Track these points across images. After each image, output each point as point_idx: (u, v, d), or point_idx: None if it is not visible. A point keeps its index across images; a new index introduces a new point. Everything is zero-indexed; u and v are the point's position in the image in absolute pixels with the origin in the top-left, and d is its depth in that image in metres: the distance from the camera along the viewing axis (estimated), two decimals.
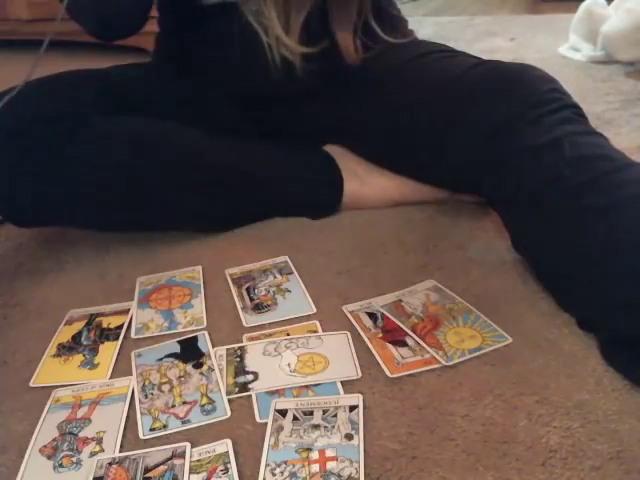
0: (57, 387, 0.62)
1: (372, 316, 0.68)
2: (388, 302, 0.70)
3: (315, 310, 0.70)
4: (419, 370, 0.60)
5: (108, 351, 0.66)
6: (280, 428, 0.54)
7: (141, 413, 0.57)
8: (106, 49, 1.48)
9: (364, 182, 0.91)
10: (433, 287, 0.72)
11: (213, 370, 0.62)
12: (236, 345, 0.65)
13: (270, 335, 0.67)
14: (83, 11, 0.76)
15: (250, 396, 0.58)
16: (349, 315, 0.68)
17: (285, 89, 0.87)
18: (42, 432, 0.56)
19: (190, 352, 0.65)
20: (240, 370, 0.62)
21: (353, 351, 0.63)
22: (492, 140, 0.71)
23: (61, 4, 0.68)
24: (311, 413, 0.55)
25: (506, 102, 0.71)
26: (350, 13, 0.85)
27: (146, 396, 0.59)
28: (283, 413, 0.55)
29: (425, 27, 2.12)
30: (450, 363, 0.60)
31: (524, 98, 0.70)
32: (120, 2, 0.76)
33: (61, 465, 0.53)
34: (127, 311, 0.73)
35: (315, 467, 0.50)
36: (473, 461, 0.51)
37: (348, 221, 0.90)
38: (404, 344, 0.63)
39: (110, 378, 0.62)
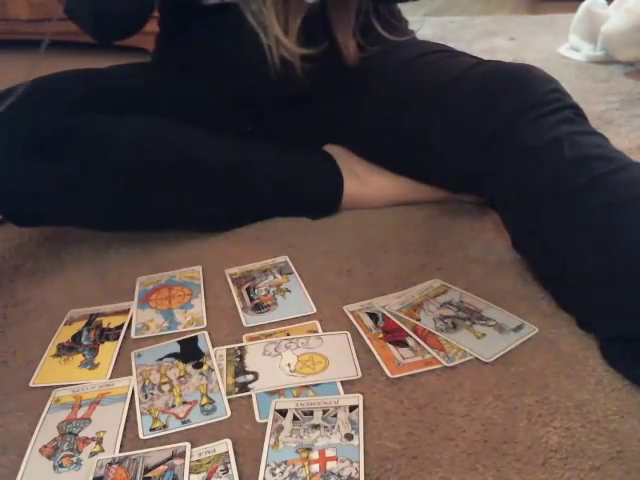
0: (57, 387, 0.62)
1: (373, 316, 0.68)
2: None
3: (315, 310, 0.70)
4: (420, 371, 0.60)
5: (108, 351, 0.66)
6: (280, 428, 0.54)
7: (141, 413, 0.57)
8: (106, 49, 1.48)
9: (364, 182, 0.91)
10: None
11: (213, 370, 0.62)
12: (236, 345, 0.65)
13: (270, 335, 0.67)
14: (81, 9, 0.75)
15: (250, 396, 0.58)
16: (350, 315, 0.68)
17: (284, 89, 0.87)
18: (42, 432, 0.56)
19: (190, 352, 0.65)
20: (240, 370, 0.62)
21: (353, 351, 0.63)
22: (492, 140, 0.71)
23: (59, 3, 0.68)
24: (311, 413, 0.55)
25: (506, 102, 0.71)
26: (349, 14, 0.85)
27: (146, 396, 0.59)
28: (283, 413, 0.55)
29: (425, 27, 2.11)
30: (451, 364, 0.60)
31: (524, 98, 0.70)
32: (120, 1, 0.76)
33: (61, 465, 0.53)
34: (127, 311, 0.73)
35: (315, 467, 0.50)
36: (473, 461, 0.51)
37: (348, 221, 0.90)
38: (405, 344, 0.63)
39: (110, 378, 0.62)
